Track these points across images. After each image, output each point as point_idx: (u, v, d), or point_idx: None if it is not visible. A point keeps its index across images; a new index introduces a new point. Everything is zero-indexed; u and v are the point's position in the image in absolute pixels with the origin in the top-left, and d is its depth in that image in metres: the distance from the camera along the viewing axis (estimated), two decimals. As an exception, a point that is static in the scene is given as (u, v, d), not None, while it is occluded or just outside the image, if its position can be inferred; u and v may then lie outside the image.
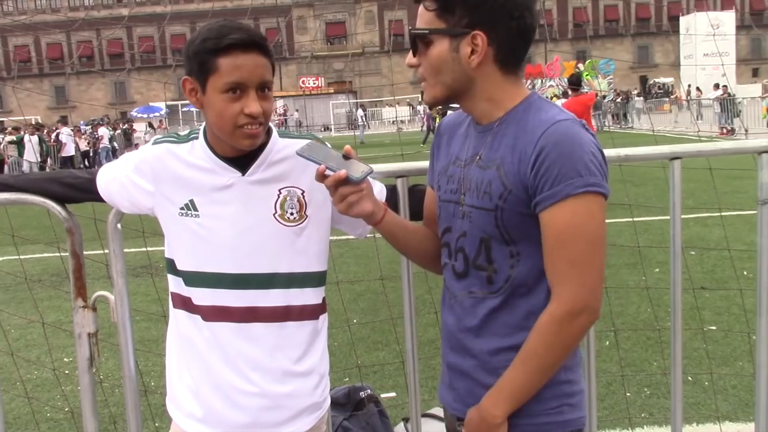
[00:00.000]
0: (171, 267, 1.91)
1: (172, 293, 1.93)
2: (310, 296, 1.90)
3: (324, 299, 1.97)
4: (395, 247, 1.85)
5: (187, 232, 1.86)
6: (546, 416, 1.64)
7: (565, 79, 31.52)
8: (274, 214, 1.84)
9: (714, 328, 5.36)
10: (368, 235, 2.04)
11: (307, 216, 1.87)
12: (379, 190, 2.05)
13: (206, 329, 1.85)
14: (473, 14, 1.57)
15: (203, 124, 1.87)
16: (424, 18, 1.62)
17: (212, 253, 1.83)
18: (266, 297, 1.84)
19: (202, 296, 1.85)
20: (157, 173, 1.89)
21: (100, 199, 2.09)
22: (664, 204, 2.57)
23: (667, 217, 2.49)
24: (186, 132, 1.93)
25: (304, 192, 1.86)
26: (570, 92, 13.59)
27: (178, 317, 1.92)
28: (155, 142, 1.94)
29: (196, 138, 1.87)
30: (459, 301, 1.71)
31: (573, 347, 1.59)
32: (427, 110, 29.79)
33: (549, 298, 1.60)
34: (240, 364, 1.85)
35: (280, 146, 1.86)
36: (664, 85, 47.55)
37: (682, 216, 2.47)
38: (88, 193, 2.13)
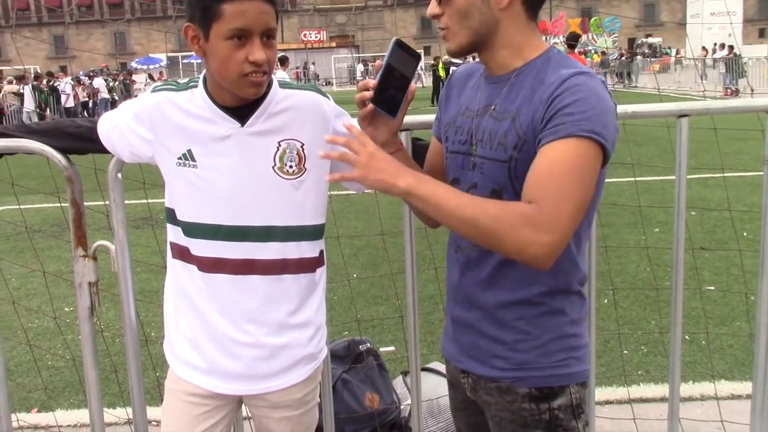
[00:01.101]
0: (170, 216, 1.91)
1: (170, 243, 1.92)
2: (306, 249, 1.90)
3: (322, 252, 1.96)
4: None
5: (185, 183, 1.84)
6: (553, 369, 1.65)
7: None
8: (272, 167, 1.82)
9: (712, 288, 5.38)
10: (369, 191, 2.03)
11: (306, 169, 1.85)
12: None
13: (201, 280, 1.85)
14: None
15: (203, 72, 1.84)
16: None
17: (209, 204, 1.82)
18: (263, 249, 1.84)
19: (200, 247, 1.85)
20: (155, 122, 1.86)
21: (103, 150, 2.07)
22: (665, 164, 2.56)
23: (669, 177, 2.48)
24: (186, 80, 1.89)
25: (303, 145, 1.84)
26: (566, 48, 13.64)
27: (175, 267, 1.92)
28: (154, 90, 1.91)
29: (195, 86, 1.84)
30: (465, 253, 1.70)
31: (497, 249, 1.51)
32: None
33: (559, 256, 1.58)
34: (236, 315, 1.85)
35: (280, 97, 1.83)
36: (651, 45, 46.98)
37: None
38: (90, 142, 2.11)
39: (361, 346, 3.30)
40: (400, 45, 1.59)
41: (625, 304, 5.14)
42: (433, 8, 1.64)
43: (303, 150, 1.84)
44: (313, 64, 47.51)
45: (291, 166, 1.83)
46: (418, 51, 1.67)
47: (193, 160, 1.82)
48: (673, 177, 2.46)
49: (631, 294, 5.35)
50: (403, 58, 1.60)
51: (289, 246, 1.86)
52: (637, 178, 8.72)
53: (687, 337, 4.45)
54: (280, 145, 1.82)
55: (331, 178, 1.65)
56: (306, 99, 1.86)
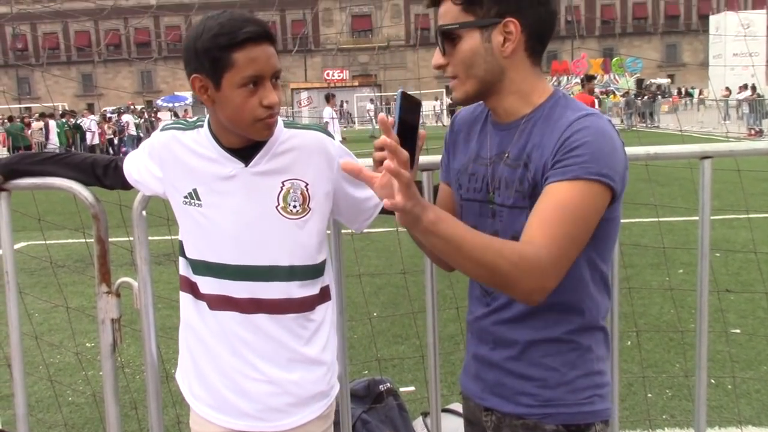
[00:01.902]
0: (182, 250, 1.93)
1: (180, 275, 1.95)
2: (310, 288, 1.90)
3: (324, 289, 1.96)
4: (417, 241, 1.84)
5: (191, 221, 1.87)
6: (580, 406, 1.65)
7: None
8: (276, 207, 1.83)
9: (738, 331, 5.29)
10: (390, 229, 2.03)
11: (310, 209, 1.85)
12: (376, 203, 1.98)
13: (212, 317, 1.87)
14: (502, 3, 1.56)
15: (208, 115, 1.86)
16: (451, 14, 1.60)
17: (214, 243, 1.84)
18: (268, 288, 1.84)
19: (208, 285, 1.86)
20: (164, 160, 1.90)
21: (128, 187, 2.11)
22: (689, 205, 2.54)
23: (693, 218, 2.46)
24: (194, 119, 1.93)
25: (307, 184, 1.85)
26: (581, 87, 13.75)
27: (184, 302, 1.94)
28: (163, 128, 1.95)
29: (201, 126, 1.87)
30: (494, 297, 1.70)
31: (513, 289, 1.47)
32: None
33: (582, 292, 1.62)
34: (245, 353, 1.86)
35: (285, 137, 1.85)
36: (660, 86, 46.84)
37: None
38: (117, 180, 2.13)
39: (381, 386, 3.28)
40: (405, 96, 1.61)
41: (648, 347, 5.07)
42: (437, 59, 1.65)
43: (307, 190, 1.85)
44: (347, 102, 47.90)
45: (295, 206, 1.84)
46: (419, 98, 1.68)
47: (198, 199, 1.84)
48: (697, 218, 2.45)
49: (655, 336, 5.27)
50: (410, 108, 1.61)
51: (292, 285, 1.87)
52: (660, 219, 8.66)
53: (713, 381, 4.37)
54: (284, 185, 1.83)
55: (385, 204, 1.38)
56: (310, 139, 1.87)
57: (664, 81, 45.55)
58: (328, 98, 20.98)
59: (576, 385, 1.64)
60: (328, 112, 20.32)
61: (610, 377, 1.77)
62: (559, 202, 1.48)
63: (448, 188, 1.84)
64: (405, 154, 1.34)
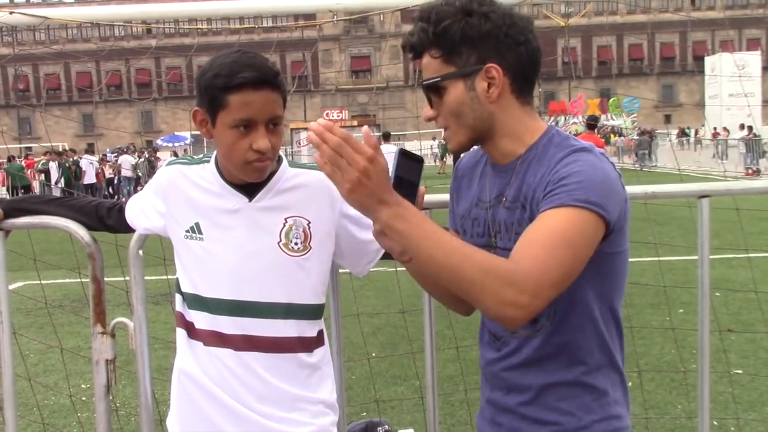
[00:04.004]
0: (178, 286, 1.93)
1: (176, 312, 1.94)
2: (306, 328, 1.89)
3: (321, 332, 1.95)
4: (422, 286, 1.83)
5: (191, 255, 1.87)
6: None
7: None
8: (278, 243, 1.83)
9: (740, 371, 5.25)
10: (389, 269, 2.02)
11: (311, 247, 1.86)
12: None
13: (207, 356, 1.85)
14: (481, 50, 1.56)
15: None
16: (432, 67, 1.60)
17: (212, 278, 1.84)
18: (263, 326, 1.83)
19: (201, 320, 1.86)
20: (168, 194, 1.91)
21: (131, 230, 2.13)
22: (688, 244, 2.53)
23: (692, 257, 2.45)
24: (200, 156, 1.95)
25: (310, 223, 1.86)
26: (586, 128, 13.87)
27: (180, 343, 1.93)
28: (168, 164, 1.97)
29: (208, 162, 1.89)
30: (504, 342, 1.68)
31: (475, 303, 1.42)
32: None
33: (593, 332, 1.59)
34: (240, 391, 1.84)
35: (289, 175, 1.87)
36: (613, 128, 46.78)
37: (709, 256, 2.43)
38: (121, 222, 2.13)
39: (379, 428, 3.24)
40: (404, 154, 1.61)
41: (650, 387, 5.01)
42: (427, 112, 1.66)
43: (309, 228, 1.86)
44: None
45: (296, 243, 1.84)
46: (421, 156, 1.70)
47: (200, 232, 1.85)
48: (696, 257, 2.44)
49: (657, 377, 5.22)
50: (409, 165, 1.61)
51: (289, 324, 1.86)
52: (660, 258, 8.64)
53: (715, 422, 4.31)
54: (286, 222, 1.84)
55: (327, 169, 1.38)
56: (314, 178, 1.88)
57: (617, 123, 45.24)
58: (386, 136, 21.87)
59: (593, 430, 1.60)
60: (387, 148, 20.94)
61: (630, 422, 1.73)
62: (544, 226, 1.46)
63: (456, 235, 1.84)
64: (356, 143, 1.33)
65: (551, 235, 1.44)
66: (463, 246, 1.40)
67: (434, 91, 1.61)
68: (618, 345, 1.66)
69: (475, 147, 1.73)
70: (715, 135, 35.76)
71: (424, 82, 1.61)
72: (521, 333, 1.63)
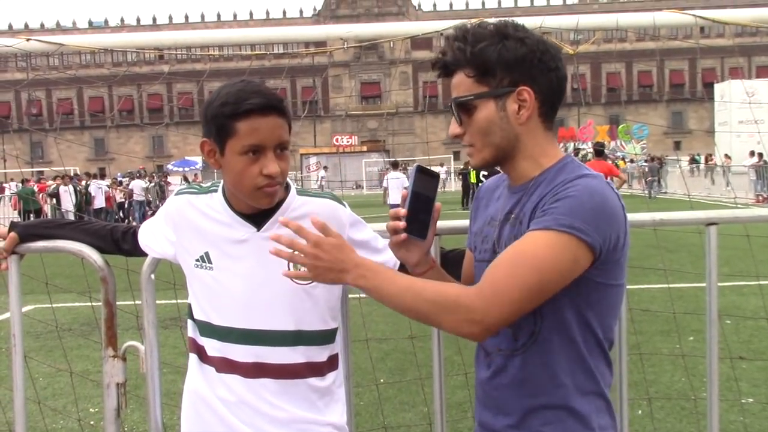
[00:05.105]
0: (190, 312, 1.95)
1: (189, 337, 1.96)
2: (315, 354, 1.91)
3: (333, 357, 1.96)
4: None
5: (201, 284, 1.89)
6: None
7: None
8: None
9: (751, 400, 5.20)
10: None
11: None
12: (395, 263, 1.97)
13: (219, 382, 1.87)
14: (515, 72, 1.61)
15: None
16: (464, 85, 1.65)
17: (223, 307, 1.86)
18: (274, 353, 1.85)
19: (213, 347, 1.88)
20: (177, 224, 1.94)
21: (145, 254, 2.15)
22: (698, 270, 2.53)
23: (702, 284, 2.45)
24: (208, 184, 1.97)
25: None
26: (594, 155, 13.86)
27: (192, 367, 1.95)
28: (177, 193, 1.99)
29: (215, 191, 1.91)
30: (493, 359, 1.71)
31: (437, 327, 1.62)
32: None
33: (575, 355, 1.61)
34: (251, 415, 1.85)
35: (297, 203, 1.89)
36: (587, 154, 46.45)
37: (718, 284, 2.43)
38: (135, 246, 2.15)
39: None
40: (421, 170, 1.66)
41: (660, 416, 4.97)
42: (454, 129, 1.70)
43: None
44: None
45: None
46: (437, 171, 1.75)
47: (210, 262, 1.87)
48: (705, 284, 2.43)
49: (667, 405, 5.18)
50: (425, 181, 1.66)
51: (299, 350, 1.87)
52: (670, 285, 8.61)
53: (726, 451, 4.27)
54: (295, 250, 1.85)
55: (286, 273, 1.67)
56: (322, 206, 1.91)
57: (625, 151, 44.94)
58: (396, 165, 22.32)
59: None
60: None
61: None
62: (518, 249, 1.54)
63: (470, 253, 1.87)
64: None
65: (518, 257, 1.52)
66: (414, 283, 1.57)
67: (465, 109, 1.66)
68: (604, 371, 1.67)
69: (498, 174, 1.77)
70: (707, 160, 35.69)
71: (458, 100, 1.66)
72: (505, 350, 1.67)
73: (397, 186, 19.70)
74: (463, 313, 1.51)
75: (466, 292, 1.54)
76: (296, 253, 1.58)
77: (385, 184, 21.73)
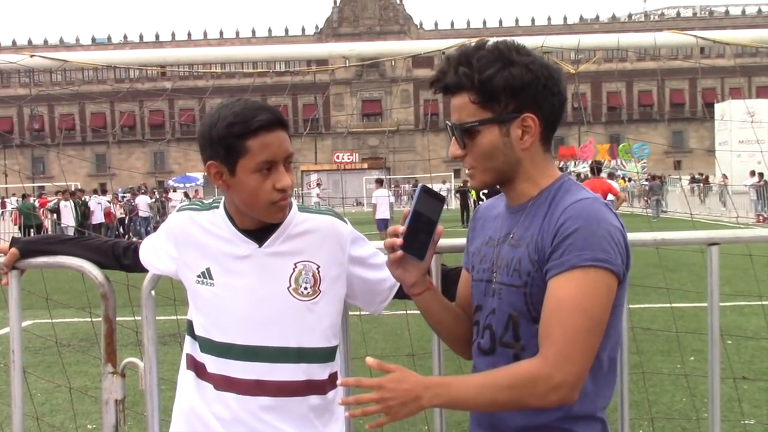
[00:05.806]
0: (190, 328, 1.93)
1: (186, 354, 1.95)
2: (316, 371, 1.90)
3: (333, 375, 1.95)
4: (429, 323, 1.84)
5: (202, 300, 1.89)
6: None
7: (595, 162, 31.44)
8: (288, 288, 1.85)
9: (753, 421, 5.17)
10: (398, 312, 2.03)
11: (320, 291, 1.88)
12: (394, 282, 1.96)
13: (217, 400, 1.86)
14: (519, 99, 1.62)
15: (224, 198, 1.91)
16: (468, 110, 1.65)
17: (224, 323, 1.85)
18: (274, 370, 1.84)
19: (213, 364, 1.87)
20: (179, 240, 1.94)
21: (146, 270, 2.14)
22: (699, 290, 2.52)
23: (703, 304, 2.44)
24: (209, 200, 1.97)
25: (319, 267, 1.88)
26: (590, 174, 13.90)
27: (187, 384, 1.93)
28: (179, 209, 1.99)
29: (217, 208, 1.91)
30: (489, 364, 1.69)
31: (528, 408, 1.57)
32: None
33: None
34: None
35: (299, 220, 1.89)
36: (579, 174, 46.19)
37: (720, 303, 2.42)
38: (136, 262, 2.15)
39: (386, 474, 3.20)
40: (426, 191, 1.65)
41: (661, 436, 4.94)
42: (455, 150, 1.70)
43: (319, 272, 1.87)
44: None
45: (306, 288, 1.86)
46: (443, 195, 1.75)
47: (211, 278, 1.87)
48: (707, 304, 2.43)
49: (668, 425, 5.15)
50: (429, 202, 1.66)
51: (300, 367, 1.86)
52: (672, 305, 8.58)
53: (728, 472, 4.24)
54: (296, 267, 1.86)
55: (370, 425, 1.62)
56: (324, 223, 1.91)
57: (583, 169, 44.92)
58: (381, 182, 22.48)
59: None
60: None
61: None
62: (559, 301, 1.53)
63: (467, 273, 1.86)
64: None
65: (560, 308, 1.52)
66: (485, 378, 1.56)
67: (468, 133, 1.65)
68: (604, 391, 1.66)
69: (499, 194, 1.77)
70: (704, 181, 35.69)
71: (463, 126, 1.65)
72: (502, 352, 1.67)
73: (384, 202, 19.82)
74: (543, 384, 1.51)
75: (534, 364, 1.53)
76: (370, 405, 1.52)
77: (373, 200, 21.88)
